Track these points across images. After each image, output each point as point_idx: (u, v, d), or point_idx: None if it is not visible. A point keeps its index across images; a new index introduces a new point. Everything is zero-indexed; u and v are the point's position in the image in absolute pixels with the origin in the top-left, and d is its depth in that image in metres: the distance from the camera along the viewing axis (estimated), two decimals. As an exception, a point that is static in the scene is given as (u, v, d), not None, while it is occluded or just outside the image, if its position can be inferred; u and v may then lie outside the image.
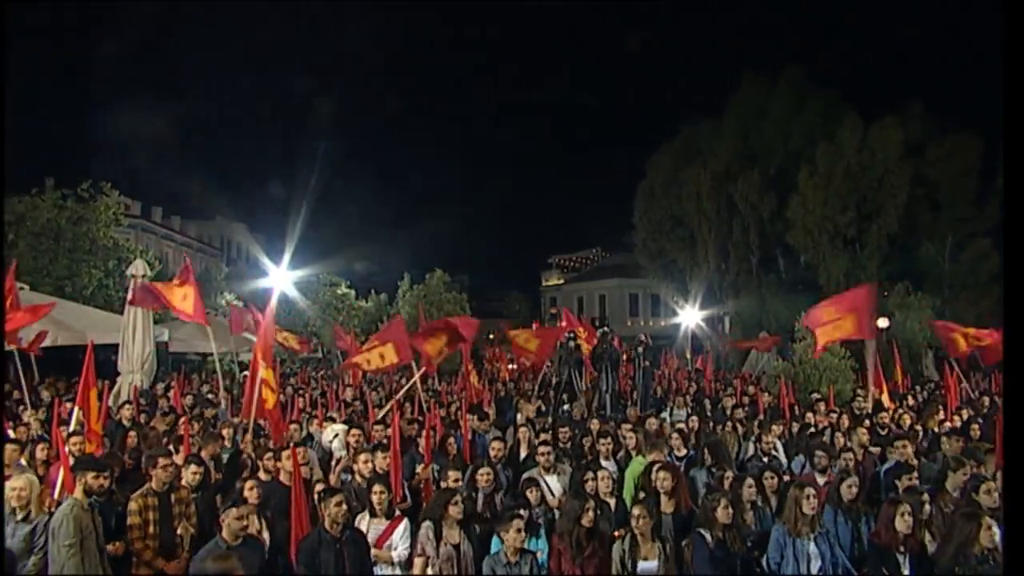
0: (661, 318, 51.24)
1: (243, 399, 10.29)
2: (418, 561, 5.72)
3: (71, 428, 8.23)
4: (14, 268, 9.53)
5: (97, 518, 5.72)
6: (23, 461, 7.42)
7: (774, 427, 9.37)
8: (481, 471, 6.91)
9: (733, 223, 33.26)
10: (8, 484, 5.99)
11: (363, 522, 5.97)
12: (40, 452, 7.61)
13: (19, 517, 5.79)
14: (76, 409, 8.56)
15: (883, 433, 9.80)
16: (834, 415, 10.93)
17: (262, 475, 7.00)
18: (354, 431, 8.43)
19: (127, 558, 5.97)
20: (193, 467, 6.77)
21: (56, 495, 6.58)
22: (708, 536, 5.57)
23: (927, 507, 5.93)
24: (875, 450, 8.74)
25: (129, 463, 7.82)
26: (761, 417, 11.01)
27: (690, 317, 34.12)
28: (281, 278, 20.80)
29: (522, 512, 5.71)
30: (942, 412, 11.36)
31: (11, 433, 7.79)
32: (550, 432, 9.15)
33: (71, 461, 6.64)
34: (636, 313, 56.17)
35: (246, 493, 6.06)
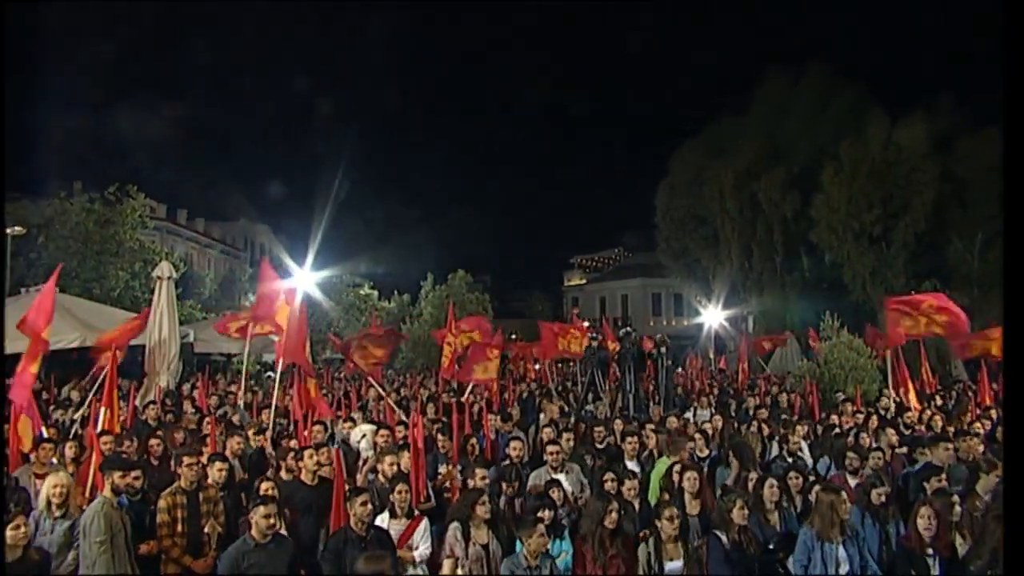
0: (684, 317, 50.98)
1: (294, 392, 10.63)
2: (447, 562, 5.72)
3: (100, 428, 8.36)
4: (57, 273, 9.77)
5: (126, 516, 5.81)
6: (55, 459, 7.58)
7: (799, 427, 9.28)
8: (505, 480, 6.94)
9: (757, 222, 32.96)
10: (47, 481, 6.13)
11: (383, 522, 6.00)
12: (69, 451, 7.72)
13: (57, 514, 5.94)
14: (104, 409, 8.69)
15: (906, 433, 9.68)
16: (860, 415, 10.80)
17: (284, 474, 7.05)
18: (382, 431, 8.48)
19: (156, 555, 6.05)
20: (218, 464, 6.84)
21: (87, 493, 6.69)
22: (724, 537, 5.52)
23: (957, 509, 5.84)
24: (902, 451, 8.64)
25: (155, 462, 7.92)
26: (787, 417, 10.92)
27: (713, 317, 33.92)
28: (304, 279, 20.95)
29: (545, 514, 5.70)
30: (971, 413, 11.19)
31: (44, 432, 7.91)
32: (572, 432, 9.13)
33: (98, 460, 6.74)
34: (659, 313, 55.92)
35: (262, 492, 6.11)
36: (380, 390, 13.04)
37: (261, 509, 5.33)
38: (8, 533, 5.12)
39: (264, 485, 6.32)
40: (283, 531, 6.11)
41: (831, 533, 5.54)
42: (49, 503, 6.03)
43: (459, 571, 5.68)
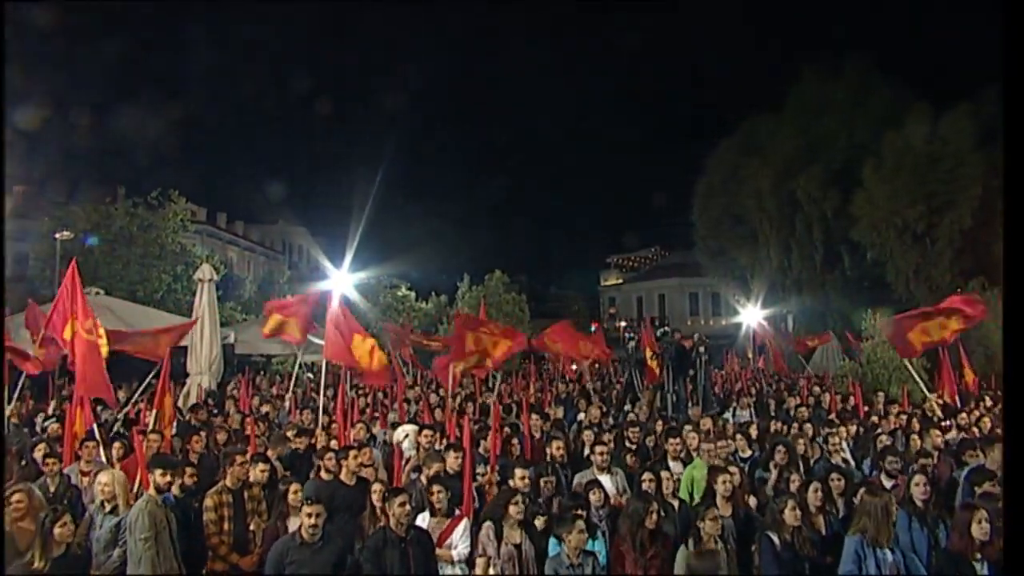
0: (722, 317, 50.40)
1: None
2: (480, 561, 5.75)
3: (146, 427, 8.55)
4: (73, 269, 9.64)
5: (171, 513, 5.94)
6: (102, 458, 7.77)
7: (841, 428, 9.12)
8: (544, 478, 6.94)
9: (795, 219, 32.40)
10: (97, 479, 6.32)
11: (423, 522, 6.04)
12: (116, 450, 7.91)
13: (107, 510, 6.11)
14: (155, 411, 8.87)
15: (955, 435, 9.44)
16: (904, 416, 10.58)
17: (323, 475, 7.13)
18: (426, 432, 8.54)
19: (203, 552, 6.18)
20: (260, 465, 6.96)
21: (135, 490, 6.85)
22: (776, 539, 5.46)
23: (1007, 514, 5.67)
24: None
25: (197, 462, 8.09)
26: (832, 418, 10.73)
27: (752, 316, 33.44)
28: (342, 280, 21.15)
29: (581, 512, 5.70)
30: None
31: (95, 431, 8.12)
32: (613, 433, 9.11)
33: (145, 459, 6.90)
34: (696, 312, 55.41)
35: (290, 497, 6.18)
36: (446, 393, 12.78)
37: (307, 508, 5.41)
38: (56, 530, 5.29)
39: (292, 488, 6.40)
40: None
41: (884, 538, 5.41)
42: (101, 501, 6.21)
43: (491, 570, 5.70)
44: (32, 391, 13.04)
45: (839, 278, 31.93)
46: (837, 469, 7.25)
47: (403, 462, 8.04)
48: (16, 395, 10.40)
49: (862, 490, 6.00)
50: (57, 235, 22.95)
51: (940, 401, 12.32)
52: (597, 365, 20.79)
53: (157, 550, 5.67)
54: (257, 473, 6.87)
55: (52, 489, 6.85)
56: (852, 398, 12.68)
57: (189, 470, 6.78)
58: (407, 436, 8.81)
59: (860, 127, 30.36)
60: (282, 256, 57.83)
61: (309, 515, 5.37)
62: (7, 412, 9.89)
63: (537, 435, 9.13)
